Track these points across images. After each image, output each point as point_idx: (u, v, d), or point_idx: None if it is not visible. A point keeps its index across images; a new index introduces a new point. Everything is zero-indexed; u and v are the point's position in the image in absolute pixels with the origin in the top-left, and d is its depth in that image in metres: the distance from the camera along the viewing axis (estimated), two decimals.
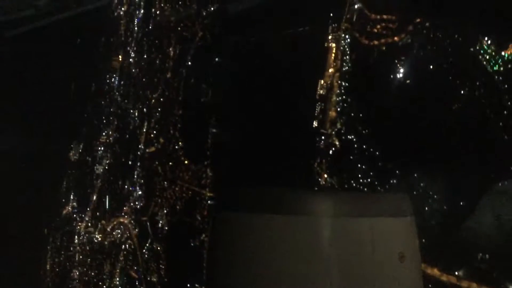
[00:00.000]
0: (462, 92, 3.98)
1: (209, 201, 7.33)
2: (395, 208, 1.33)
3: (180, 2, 6.26)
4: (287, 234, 1.23)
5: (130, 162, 8.39)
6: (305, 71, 5.30)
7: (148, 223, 8.34)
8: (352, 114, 4.84)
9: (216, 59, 6.34)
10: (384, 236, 1.29)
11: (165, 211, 8.02)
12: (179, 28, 6.60)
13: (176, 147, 7.40)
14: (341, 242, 1.25)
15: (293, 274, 1.22)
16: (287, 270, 1.22)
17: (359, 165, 5.14)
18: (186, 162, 7.31)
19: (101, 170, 9.36)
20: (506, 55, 3.79)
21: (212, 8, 6.00)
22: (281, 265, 1.23)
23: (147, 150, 7.91)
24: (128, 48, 7.55)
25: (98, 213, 9.69)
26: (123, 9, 7.02)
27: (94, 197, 9.79)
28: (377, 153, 4.83)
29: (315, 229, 1.24)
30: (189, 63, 6.65)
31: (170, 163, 7.57)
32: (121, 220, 9.08)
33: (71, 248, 10.08)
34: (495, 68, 3.84)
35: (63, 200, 10.22)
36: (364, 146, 4.93)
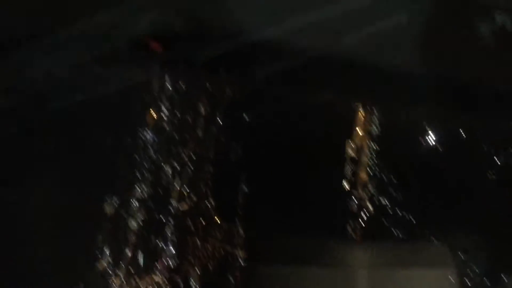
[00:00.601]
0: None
1: (241, 261, 7.33)
2: (435, 260, 1.40)
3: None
4: (322, 287, 1.28)
5: (163, 219, 8.56)
6: (334, 131, 5.31)
7: (181, 282, 8.41)
8: (384, 177, 4.78)
9: (246, 118, 6.47)
10: None
11: (197, 270, 8.08)
12: (210, 84, 6.81)
13: (208, 205, 7.51)
14: None
15: None
16: None
17: (392, 229, 5.07)
18: (218, 220, 7.39)
19: (135, 226, 9.57)
20: None
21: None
22: None
23: (179, 207, 8.07)
24: (161, 104, 7.85)
25: (132, 269, 9.86)
26: (155, 83, 7.35)
27: (128, 253, 9.97)
28: (410, 217, 4.73)
29: (350, 281, 1.30)
30: (220, 121, 6.81)
31: (202, 221, 7.67)
32: (154, 277, 9.20)
33: None
34: None
35: (98, 255, 10.45)
36: (397, 209, 4.85)
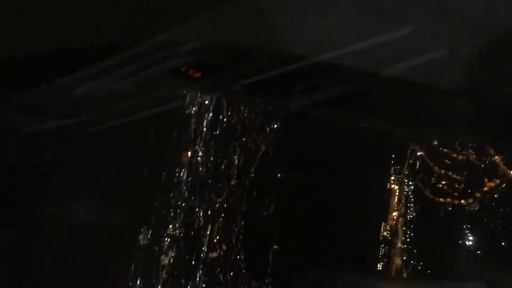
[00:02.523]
0: None
1: None
2: None
3: (246, 115, 6.81)
4: None
5: (193, 262, 9.01)
6: (369, 211, 5.47)
7: None
8: (418, 266, 4.90)
9: (279, 175, 6.75)
10: None
11: None
12: (243, 139, 7.14)
13: (238, 257, 7.86)
14: None
15: None
16: None
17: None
18: (247, 275, 7.72)
19: (167, 262, 10.11)
20: None
21: (275, 126, 6.45)
22: None
23: (209, 254, 8.47)
24: (197, 148, 8.26)
25: None
26: (194, 109, 7.76)
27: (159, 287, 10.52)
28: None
29: None
30: (253, 175, 7.13)
31: (231, 273, 8.04)
32: None
33: None
34: None
35: (130, 284, 11.11)
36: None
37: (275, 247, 6.83)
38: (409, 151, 4.89)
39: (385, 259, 5.33)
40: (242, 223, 7.35)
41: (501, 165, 4.22)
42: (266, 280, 7.19)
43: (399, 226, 5.09)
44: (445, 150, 4.59)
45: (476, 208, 4.39)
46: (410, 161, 4.87)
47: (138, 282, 10.84)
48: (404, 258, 5.11)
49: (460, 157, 4.51)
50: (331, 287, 5.77)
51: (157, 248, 10.23)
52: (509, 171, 4.18)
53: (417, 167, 4.87)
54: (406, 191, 4.95)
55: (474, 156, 4.41)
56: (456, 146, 4.53)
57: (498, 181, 4.25)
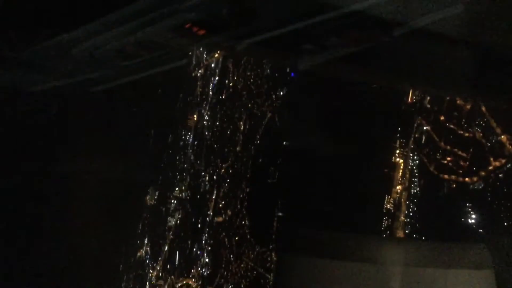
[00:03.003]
0: None
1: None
2: (472, 260, 1.37)
3: (252, 80, 6.80)
4: (357, 283, 1.29)
5: (199, 225, 9.20)
6: (373, 183, 5.49)
7: None
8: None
9: (284, 143, 6.77)
10: None
11: (230, 286, 8.71)
12: (249, 105, 7.14)
13: (242, 223, 7.99)
14: None
15: None
16: None
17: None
18: (251, 240, 7.87)
19: (173, 223, 10.34)
20: None
21: (281, 93, 6.43)
22: None
23: (215, 219, 8.63)
24: (203, 111, 8.30)
25: (168, 266, 10.73)
26: (200, 72, 7.76)
27: (166, 248, 10.83)
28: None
29: (384, 278, 1.29)
30: (258, 141, 7.16)
31: (236, 238, 8.19)
32: (189, 282, 9.96)
33: None
34: None
35: (138, 242, 11.42)
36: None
37: (280, 214, 6.94)
38: (415, 125, 4.87)
39: (388, 232, 5.40)
40: (247, 189, 7.45)
41: (507, 144, 4.20)
42: (270, 246, 7.35)
43: (402, 200, 5.13)
44: (451, 126, 4.56)
45: (481, 187, 4.40)
46: (416, 135, 4.87)
47: (145, 241, 11.12)
48: (407, 231, 5.17)
49: (466, 134, 4.49)
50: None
51: (163, 209, 10.44)
52: None
53: (422, 141, 4.87)
54: (410, 165, 4.96)
55: (481, 134, 4.39)
56: (463, 123, 4.50)
57: (503, 161, 4.24)
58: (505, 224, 4.27)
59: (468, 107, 4.42)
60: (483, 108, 4.32)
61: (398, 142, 5.28)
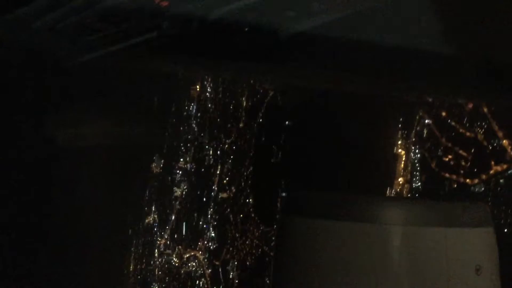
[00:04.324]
0: None
1: None
2: (473, 218, 1.43)
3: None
4: (355, 242, 1.36)
5: (204, 199, 9.45)
6: (375, 173, 5.55)
7: (220, 269, 9.45)
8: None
9: (287, 122, 6.84)
10: (460, 248, 1.39)
11: (235, 262, 9.02)
12: (251, 81, 7.18)
13: (247, 201, 8.18)
14: (412, 253, 1.35)
15: (360, 283, 1.35)
16: (354, 279, 1.35)
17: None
18: (256, 219, 8.08)
19: (179, 193, 10.64)
20: None
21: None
22: (347, 274, 1.35)
23: (220, 194, 8.86)
24: (205, 82, 8.38)
25: (176, 236, 11.11)
26: None
27: (173, 217, 11.20)
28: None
29: (384, 238, 1.35)
30: (260, 120, 7.24)
31: (241, 215, 8.41)
32: (196, 254, 10.32)
33: (151, 262, 11.74)
34: None
35: (146, 209, 11.82)
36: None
37: (283, 194, 7.13)
38: (417, 117, 4.90)
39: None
40: (251, 168, 7.61)
41: (509, 150, 4.22)
42: (275, 226, 7.58)
43: (404, 193, 5.22)
44: (453, 123, 4.58)
45: (481, 190, 4.45)
46: (418, 128, 4.90)
47: (153, 208, 11.46)
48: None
49: (468, 133, 4.51)
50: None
51: (169, 178, 10.73)
52: None
53: (424, 135, 4.90)
54: (412, 159, 5.02)
55: (482, 136, 4.40)
56: (465, 122, 4.51)
57: (505, 166, 4.26)
58: (505, 230, 4.34)
59: (470, 106, 4.41)
60: (485, 109, 4.31)
61: (400, 132, 5.31)
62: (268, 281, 8.56)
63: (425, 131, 5.03)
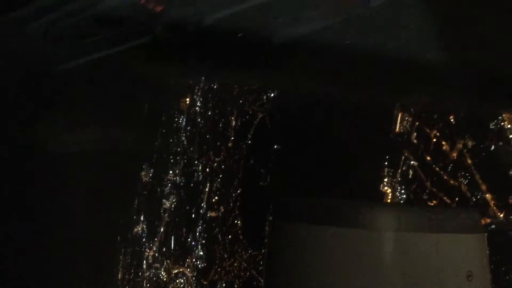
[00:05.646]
0: None
1: None
2: (464, 224, 1.50)
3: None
4: (348, 248, 1.42)
5: (193, 216, 9.63)
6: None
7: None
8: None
9: (275, 146, 6.97)
10: (451, 254, 1.45)
11: (224, 284, 9.20)
12: (240, 101, 7.32)
13: (235, 221, 8.33)
14: (404, 258, 1.41)
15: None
16: (347, 285, 1.41)
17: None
18: (244, 241, 8.24)
19: (168, 206, 10.85)
20: None
21: (272, 95, 6.55)
22: (340, 280, 1.41)
23: (208, 213, 9.03)
24: (195, 97, 8.53)
25: (164, 249, 11.32)
26: None
27: (161, 230, 11.41)
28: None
29: (377, 244, 1.42)
30: (249, 141, 7.38)
31: (229, 236, 8.57)
32: (185, 271, 10.52)
33: (139, 273, 11.98)
34: None
35: (134, 218, 12.05)
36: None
37: (271, 218, 7.23)
38: (403, 157, 5.02)
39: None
40: (239, 190, 7.77)
41: (492, 204, 4.32)
42: (263, 250, 7.75)
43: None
44: (437, 169, 4.70)
45: None
46: (403, 168, 5.02)
47: (142, 218, 11.66)
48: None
49: (452, 182, 4.63)
50: None
51: (158, 190, 10.92)
52: (499, 213, 4.30)
53: (409, 176, 5.02)
54: (398, 198, 5.15)
55: (466, 187, 4.51)
56: (449, 170, 4.63)
57: (488, 221, 4.38)
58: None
59: (454, 155, 4.50)
60: (469, 161, 4.40)
61: (386, 170, 5.43)
62: None
63: (410, 172, 5.14)
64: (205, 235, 9.37)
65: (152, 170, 10.91)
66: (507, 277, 4.13)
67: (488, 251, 1.49)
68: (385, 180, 5.50)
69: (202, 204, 9.22)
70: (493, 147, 4.29)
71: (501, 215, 4.22)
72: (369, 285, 1.41)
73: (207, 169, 8.80)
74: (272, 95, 6.75)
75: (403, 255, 1.42)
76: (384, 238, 1.43)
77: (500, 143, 4.24)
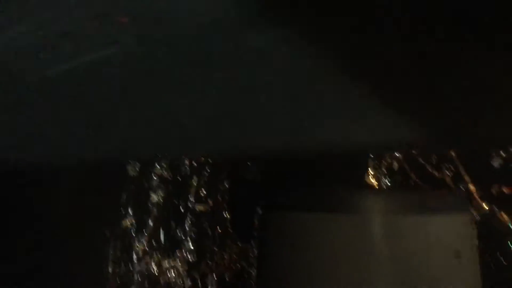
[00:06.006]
0: None
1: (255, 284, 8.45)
2: (451, 205, 1.69)
3: None
4: (338, 233, 1.60)
5: (182, 210, 9.74)
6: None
7: (199, 283, 9.76)
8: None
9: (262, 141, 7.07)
10: (439, 234, 1.62)
11: (214, 277, 9.34)
12: None
13: (224, 215, 8.47)
14: (393, 240, 1.58)
15: (344, 273, 1.59)
16: (338, 269, 1.59)
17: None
18: (233, 234, 8.38)
19: (156, 200, 10.94)
20: None
21: None
22: (331, 264, 1.59)
23: (197, 207, 9.14)
24: None
25: (154, 243, 11.42)
26: None
27: (151, 223, 11.50)
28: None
29: (366, 228, 1.59)
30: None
31: (219, 230, 8.71)
32: (175, 264, 10.64)
33: (130, 267, 12.07)
34: None
35: (123, 212, 12.12)
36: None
37: (260, 212, 7.36)
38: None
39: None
40: (227, 184, 7.87)
41: (476, 196, 4.44)
42: (252, 243, 7.87)
43: None
44: (422, 161, 4.80)
45: None
46: (388, 160, 5.12)
47: (130, 211, 11.72)
48: None
49: (437, 174, 4.73)
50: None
51: (146, 184, 10.99)
52: (483, 204, 4.42)
53: (395, 169, 5.13)
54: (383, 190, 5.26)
55: (451, 180, 4.62)
56: (433, 162, 4.73)
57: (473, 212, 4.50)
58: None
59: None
60: (453, 154, 4.51)
61: (370, 162, 5.52)
62: None
63: (394, 163, 5.23)
64: (195, 229, 9.49)
65: (138, 164, 10.96)
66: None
67: (476, 230, 1.59)
68: (371, 172, 5.60)
69: (190, 198, 9.32)
70: None
71: (486, 206, 4.33)
72: (359, 270, 1.56)
73: (193, 163, 8.88)
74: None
75: (391, 238, 1.57)
76: (373, 222, 1.59)
77: None
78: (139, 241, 11.76)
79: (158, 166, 10.43)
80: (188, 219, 9.55)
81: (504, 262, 3.81)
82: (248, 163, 7.49)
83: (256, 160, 7.32)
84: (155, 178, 10.55)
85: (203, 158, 8.51)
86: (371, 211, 1.57)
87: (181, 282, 10.74)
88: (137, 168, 11.24)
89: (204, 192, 8.88)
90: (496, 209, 4.21)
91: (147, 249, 11.55)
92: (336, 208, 1.57)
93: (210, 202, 8.77)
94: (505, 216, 4.15)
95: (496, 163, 4.13)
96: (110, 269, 12.81)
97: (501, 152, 4.08)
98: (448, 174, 4.62)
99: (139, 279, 11.76)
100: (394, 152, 4.85)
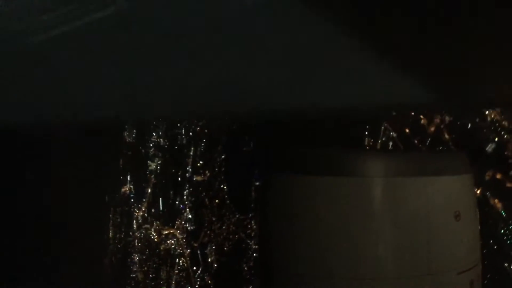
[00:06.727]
0: None
1: (254, 254, 8.64)
2: (451, 166, 1.61)
3: None
4: (340, 195, 1.50)
5: (179, 179, 9.86)
6: None
7: (198, 251, 9.95)
8: None
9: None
10: (439, 195, 1.55)
11: (213, 246, 9.52)
12: None
13: (222, 186, 8.55)
14: (394, 202, 1.50)
15: (346, 234, 1.50)
16: (340, 231, 1.49)
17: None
18: (231, 206, 8.49)
19: (154, 167, 11.07)
20: None
21: None
22: (333, 226, 1.50)
23: (194, 177, 9.24)
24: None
25: (153, 210, 11.60)
26: None
27: (149, 191, 11.67)
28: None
29: (367, 190, 1.51)
30: None
31: (216, 200, 8.81)
32: (175, 232, 10.81)
33: (130, 233, 12.31)
34: None
35: (121, 178, 12.28)
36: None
37: (257, 183, 7.51)
38: (382, 128, 5.17)
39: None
40: (223, 155, 7.96)
41: None
42: (250, 215, 8.02)
43: None
44: (416, 142, 4.87)
45: None
46: (383, 139, 5.18)
47: (128, 178, 11.85)
48: None
49: None
50: None
51: (143, 151, 11.07)
52: (475, 189, 4.49)
53: (390, 148, 5.20)
54: None
55: None
56: (427, 144, 4.80)
57: None
58: None
59: (432, 129, 4.63)
60: (447, 136, 4.52)
61: (366, 140, 5.57)
62: (246, 268, 9.06)
63: (390, 143, 5.29)
64: (192, 199, 9.60)
65: (135, 130, 11.02)
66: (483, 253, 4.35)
67: (475, 191, 1.60)
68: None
69: (188, 168, 9.41)
70: (470, 124, 4.42)
71: (478, 191, 4.40)
72: (360, 231, 1.50)
73: (190, 133, 8.94)
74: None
75: (392, 199, 1.52)
76: (373, 184, 1.52)
77: (477, 120, 4.38)
78: (138, 208, 11.92)
79: (154, 134, 10.51)
80: (186, 189, 9.66)
81: (494, 247, 3.91)
82: (245, 136, 7.53)
83: (256, 126, 7.34)
84: (151, 145, 10.64)
85: (199, 128, 8.56)
86: (372, 174, 1.54)
87: (181, 250, 10.95)
88: (133, 134, 11.32)
89: (201, 163, 8.95)
90: (489, 195, 4.28)
91: (147, 216, 11.73)
92: (336, 171, 1.55)
93: (207, 173, 8.85)
94: (498, 204, 4.22)
95: (490, 148, 4.18)
96: (110, 234, 13.00)
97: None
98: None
99: (140, 246, 11.98)
100: (395, 114, 4.86)
